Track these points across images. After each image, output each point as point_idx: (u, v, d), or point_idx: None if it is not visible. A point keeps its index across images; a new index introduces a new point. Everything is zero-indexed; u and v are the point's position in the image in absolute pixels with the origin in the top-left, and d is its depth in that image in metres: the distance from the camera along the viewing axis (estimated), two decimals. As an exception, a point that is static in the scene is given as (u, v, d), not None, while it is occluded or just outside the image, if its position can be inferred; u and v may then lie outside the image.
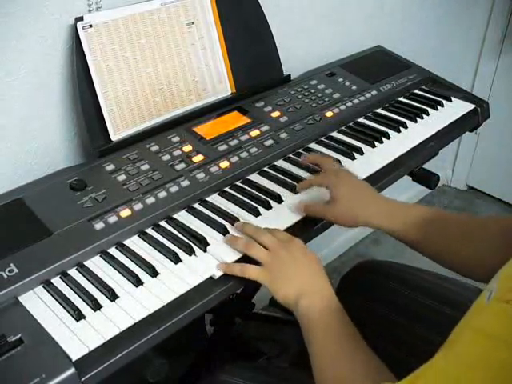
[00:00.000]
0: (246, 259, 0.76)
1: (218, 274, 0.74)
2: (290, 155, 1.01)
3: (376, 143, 1.05)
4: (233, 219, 0.83)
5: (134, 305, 0.68)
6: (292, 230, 0.83)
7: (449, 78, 1.33)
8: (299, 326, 0.71)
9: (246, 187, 0.91)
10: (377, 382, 0.58)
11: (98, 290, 0.70)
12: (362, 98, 1.17)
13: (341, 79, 1.22)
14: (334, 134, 1.09)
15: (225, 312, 1.30)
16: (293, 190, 0.91)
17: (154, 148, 0.93)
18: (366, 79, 1.23)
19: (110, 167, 0.88)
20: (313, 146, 1.04)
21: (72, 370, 0.59)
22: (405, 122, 1.13)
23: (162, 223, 0.83)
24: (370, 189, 0.86)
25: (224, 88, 1.08)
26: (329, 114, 1.10)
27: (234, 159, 0.94)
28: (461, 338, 0.48)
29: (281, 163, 0.99)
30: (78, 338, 0.63)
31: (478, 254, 0.75)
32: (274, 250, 0.75)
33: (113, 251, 0.77)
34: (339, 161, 0.99)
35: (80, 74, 0.89)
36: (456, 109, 1.21)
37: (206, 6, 1.03)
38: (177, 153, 0.92)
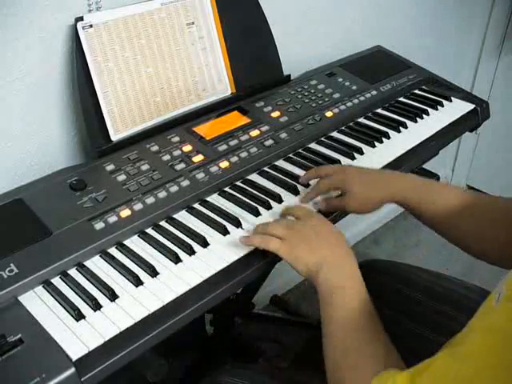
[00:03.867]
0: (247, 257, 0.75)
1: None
2: (290, 155, 1.01)
3: (376, 143, 1.05)
4: (233, 219, 0.83)
5: (134, 305, 0.68)
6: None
7: (449, 77, 1.33)
8: (299, 326, 0.71)
9: (246, 187, 0.91)
10: (385, 367, 0.58)
11: (98, 289, 0.70)
12: (362, 98, 1.17)
13: (341, 79, 1.22)
14: (334, 133, 1.09)
15: (225, 312, 1.30)
16: (293, 190, 0.91)
17: (154, 148, 0.93)
18: (366, 79, 1.23)
19: (110, 167, 0.88)
20: (313, 146, 1.04)
21: (72, 370, 0.59)
22: (405, 122, 1.13)
23: (162, 223, 0.83)
24: (378, 170, 0.88)
25: (224, 88, 1.08)
26: (329, 114, 1.10)
27: (234, 159, 0.94)
28: (468, 339, 0.47)
29: (281, 163, 0.99)
30: (77, 337, 0.63)
31: (499, 240, 0.75)
32: (294, 226, 0.75)
33: (113, 251, 0.77)
34: (339, 161, 0.99)
35: (80, 74, 0.89)
36: (456, 109, 1.21)
37: (206, 6, 1.03)
38: (177, 153, 0.92)
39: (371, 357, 0.62)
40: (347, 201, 0.84)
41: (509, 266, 0.61)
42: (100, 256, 0.76)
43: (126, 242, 0.78)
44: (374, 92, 1.20)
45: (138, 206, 0.81)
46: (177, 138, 0.95)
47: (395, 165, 1.01)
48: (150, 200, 0.83)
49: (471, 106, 1.22)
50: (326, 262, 0.70)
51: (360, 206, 0.84)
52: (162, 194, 0.84)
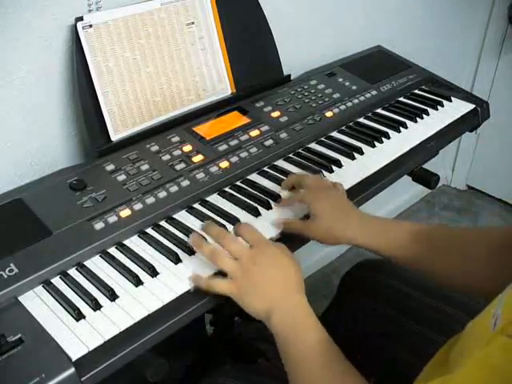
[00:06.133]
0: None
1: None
2: (290, 155, 1.01)
3: (376, 143, 1.05)
4: (233, 219, 0.83)
5: (133, 305, 0.68)
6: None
7: (449, 78, 1.33)
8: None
9: (246, 187, 0.91)
10: None
11: (98, 289, 0.70)
12: (362, 98, 1.17)
13: (341, 79, 1.22)
14: (334, 133, 1.09)
15: (225, 312, 1.29)
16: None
17: (154, 148, 0.93)
18: (366, 79, 1.23)
19: (110, 167, 0.88)
20: (313, 146, 1.04)
21: (72, 370, 0.59)
22: (405, 122, 1.13)
23: (162, 223, 0.83)
24: (350, 206, 0.83)
25: (224, 88, 1.08)
26: (329, 114, 1.10)
27: (234, 159, 0.94)
28: (463, 369, 0.46)
29: (281, 163, 0.99)
30: (77, 337, 0.63)
31: (470, 269, 0.73)
32: (242, 259, 0.69)
33: (113, 251, 0.77)
34: (339, 161, 0.99)
35: (80, 74, 0.89)
36: (456, 109, 1.21)
37: (206, 6, 1.03)
38: (177, 153, 0.92)
39: None
40: (311, 226, 0.79)
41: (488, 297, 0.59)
42: (100, 256, 0.76)
43: (125, 242, 0.78)
44: (374, 92, 1.20)
45: (138, 206, 0.81)
46: (177, 138, 0.95)
47: (395, 165, 1.01)
48: (150, 200, 0.83)
49: (471, 106, 1.22)
50: (276, 306, 0.67)
51: (322, 237, 0.80)
52: (161, 194, 0.84)
